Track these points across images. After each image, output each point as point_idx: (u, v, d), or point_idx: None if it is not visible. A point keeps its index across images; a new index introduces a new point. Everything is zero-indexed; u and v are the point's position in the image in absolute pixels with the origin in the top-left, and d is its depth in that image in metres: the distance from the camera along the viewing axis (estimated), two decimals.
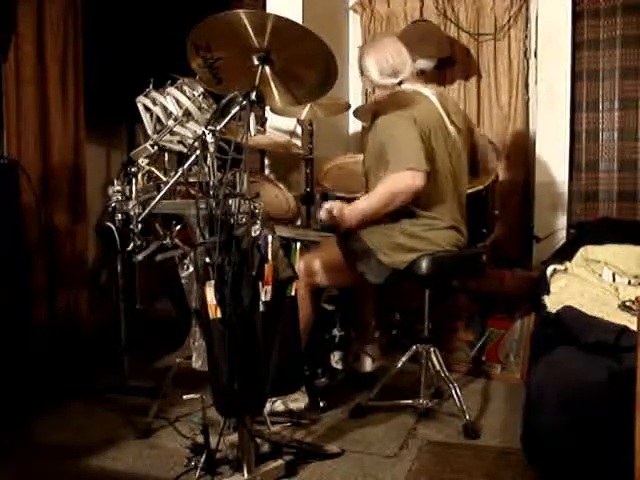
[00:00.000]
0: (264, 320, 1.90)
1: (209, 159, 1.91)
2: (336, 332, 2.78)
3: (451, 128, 2.54)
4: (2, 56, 2.81)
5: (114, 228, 2.25)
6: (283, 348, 1.94)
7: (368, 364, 2.89)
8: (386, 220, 2.49)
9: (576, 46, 3.77)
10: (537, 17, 3.85)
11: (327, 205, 2.52)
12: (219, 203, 1.85)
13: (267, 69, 2.21)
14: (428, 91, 2.58)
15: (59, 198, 3.11)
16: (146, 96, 2.30)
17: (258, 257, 1.89)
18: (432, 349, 2.55)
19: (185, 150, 2.23)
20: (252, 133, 2.02)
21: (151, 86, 2.30)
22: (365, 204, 2.49)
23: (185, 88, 2.27)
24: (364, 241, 2.50)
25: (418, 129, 2.42)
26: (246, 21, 2.07)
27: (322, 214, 2.53)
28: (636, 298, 2.11)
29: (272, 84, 2.28)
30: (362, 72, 2.65)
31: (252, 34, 2.11)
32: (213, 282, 1.85)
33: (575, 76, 3.78)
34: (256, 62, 2.16)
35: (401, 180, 2.38)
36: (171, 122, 2.25)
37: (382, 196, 2.44)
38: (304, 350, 2.26)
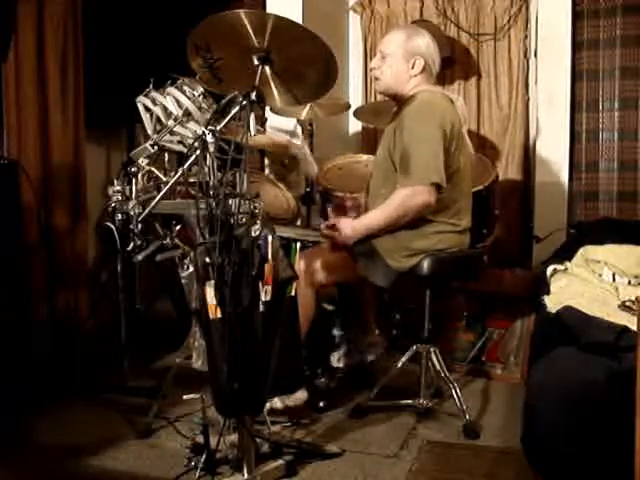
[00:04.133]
0: (264, 320, 1.90)
1: (209, 159, 1.91)
2: (336, 332, 2.78)
3: (465, 132, 2.56)
4: (2, 56, 2.81)
5: (114, 228, 2.25)
6: (283, 348, 1.94)
7: (370, 355, 2.88)
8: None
9: (576, 46, 3.77)
10: (537, 17, 3.85)
11: (332, 221, 2.52)
12: (219, 203, 1.85)
13: (267, 69, 2.21)
14: (453, 96, 2.58)
15: (59, 198, 3.11)
16: (146, 96, 2.30)
17: (258, 257, 1.89)
18: (432, 349, 2.54)
19: (185, 150, 2.23)
20: (252, 133, 2.02)
21: (151, 86, 2.30)
22: (377, 219, 2.43)
23: (185, 88, 2.27)
24: (371, 241, 2.47)
25: (445, 139, 2.37)
26: (246, 21, 2.07)
27: (323, 227, 2.53)
28: (636, 298, 2.10)
29: (272, 84, 2.28)
30: (404, 53, 2.48)
31: (252, 34, 2.11)
32: (213, 282, 1.85)
33: (575, 76, 3.79)
34: (256, 62, 2.16)
35: (420, 195, 2.34)
36: (171, 122, 2.25)
37: (396, 210, 2.38)
38: (304, 349, 2.25)
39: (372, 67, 2.57)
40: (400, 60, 2.49)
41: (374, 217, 2.45)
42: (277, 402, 2.43)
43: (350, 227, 2.46)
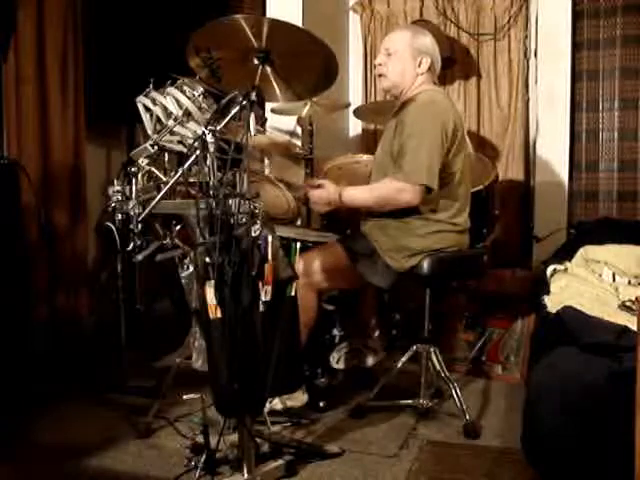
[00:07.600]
0: (264, 320, 1.90)
1: (209, 159, 1.91)
2: (336, 332, 2.78)
3: (465, 132, 2.57)
4: (2, 56, 2.81)
5: (114, 228, 2.24)
6: (283, 348, 1.94)
7: (370, 359, 2.88)
8: (396, 220, 2.46)
9: (576, 46, 3.78)
10: (537, 17, 3.85)
11: (320, 181, 2.51)
12: (219, 203, 1.85)
13: (267, 68, 2.22)
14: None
15: (59, 198, 3.11)
16: (146, 96, 2.29)
17: (258, 257, 1.89)
18: (432, 349, 2.54)
19: (185, 150, 2.23)
20: (252, 133, 2.02)
21: (151, 86, 2.30)
22: (362, 198, 2.46)
23: (185, 88, 2.26)
24: (370, 242, 2.48)
25: (446, 140, 2.38)
26: (245, 25, 2.08)
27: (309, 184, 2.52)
28: (636, 298, 2.10)
29: (273, 81, 2.28)
30: (410, 51, 2.49)
31: (251, 36, 2.11)
32: (213, 282, 1.85)
33: (575, 76, 3.79)
34: (256, 62, 2.16)
35: (406, 193, 2.35)
36: (171, 122, 2.24)
37: (380, 197, 2.42)
38: (304, 350, 2.25)
39: (378, 63, 2.55)
40: (407, 58, 2.50)
41: (358, 194, 2.47)
42: (277, 404, 2.44)
43: (335, 191, 2.45)
